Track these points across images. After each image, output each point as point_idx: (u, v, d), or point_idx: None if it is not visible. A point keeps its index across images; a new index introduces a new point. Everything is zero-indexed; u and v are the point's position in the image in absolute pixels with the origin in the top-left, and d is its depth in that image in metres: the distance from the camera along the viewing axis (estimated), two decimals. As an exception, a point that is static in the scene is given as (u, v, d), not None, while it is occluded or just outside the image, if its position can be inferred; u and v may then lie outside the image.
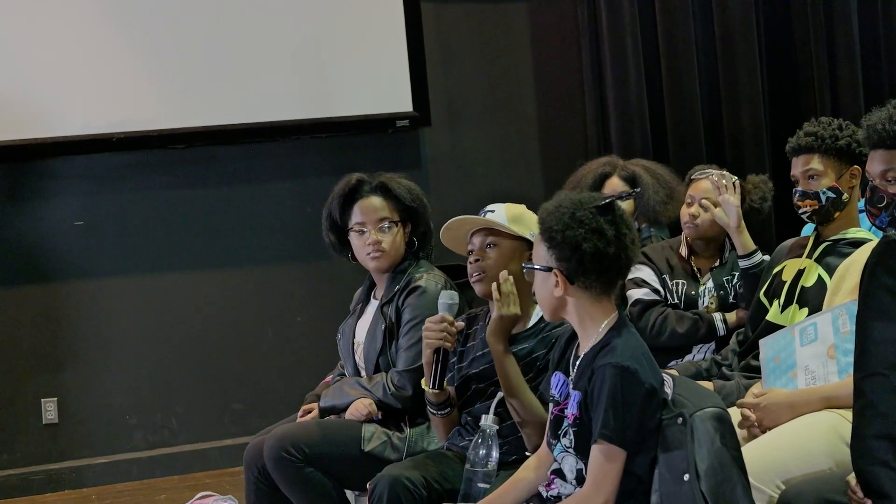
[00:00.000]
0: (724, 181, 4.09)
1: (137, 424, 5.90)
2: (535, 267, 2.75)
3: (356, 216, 3.77)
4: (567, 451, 2.71)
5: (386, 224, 3.75)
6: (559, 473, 2.74)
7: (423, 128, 6.12)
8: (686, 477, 2.54)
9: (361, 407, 3.61)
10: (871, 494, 2.54)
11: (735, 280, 4.19)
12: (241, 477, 3.80)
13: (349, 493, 3.66)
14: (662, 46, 6.05)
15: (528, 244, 3.28)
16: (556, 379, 2.82)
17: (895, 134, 3.02)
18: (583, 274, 2.67)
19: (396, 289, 3.73)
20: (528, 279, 2.99)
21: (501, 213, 3.32)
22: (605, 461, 2.58)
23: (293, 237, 5.99)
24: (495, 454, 3.09)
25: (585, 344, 2.73)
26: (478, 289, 3.32)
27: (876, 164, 3.09)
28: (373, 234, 3.74)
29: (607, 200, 2.71)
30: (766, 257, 4.03)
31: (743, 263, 4.05)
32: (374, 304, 3.84)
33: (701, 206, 4.22)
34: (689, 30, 6.06)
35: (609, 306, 2.73)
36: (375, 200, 3.77)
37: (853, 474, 2.60)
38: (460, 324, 3.37)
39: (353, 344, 3.86)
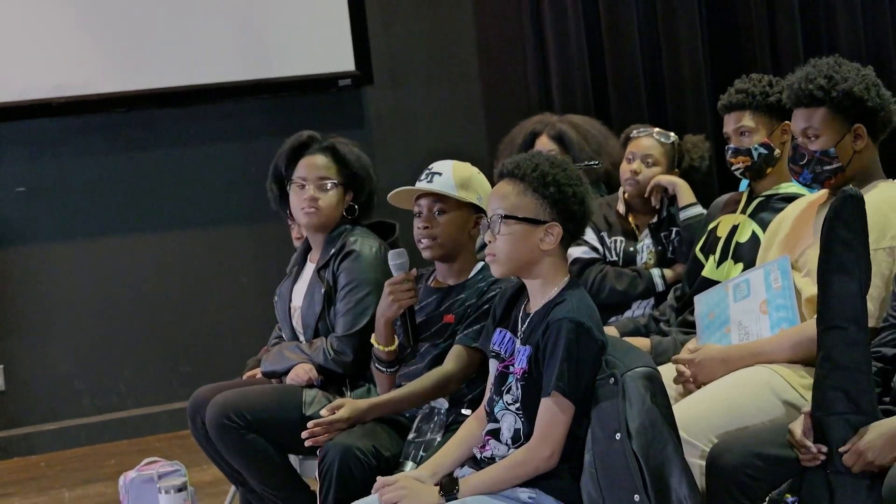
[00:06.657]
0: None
1: (85, 390, 5.89)
2: (530, 217, 2.68)
3: (299, 171, 3.75)
4: (508, 409, 2.72)
5: (327, 183, 3.74)
6: (494, 434, 2.76)
7: (366, 87, 6.10)
8: (618, 436, 2.57)
9: (302, 372, 3.61)
10: (826, 443, 2.61)
11: (673, 235, 4.24)
12: (191, 439, 3.80)
13: (293, 458, 3.68)
14: (602, 1, 6.05)
15: (476, 208, 3.28)
16: (500, 335, 2.83)
17: (810, 92, 3.10)
18: (571, 232, 2.72)
19: (332, 252, 3.71)
20: (482, 234, 2.91)
21: (448, 176, 3.27)
22: (557, 412, 2.60)
23: (237, 199, 5.98)
24: (441, 432, 3.15)
25: (536, 302, 2.74)
26: (426, 254, 3.30)
27: (797, 122, 3.17)
28: (311, 189, 3.71)
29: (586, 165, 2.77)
30: (706, 211, 4.08)
31: (681, 214, 4.13)
32: (310, 268, 3.84)
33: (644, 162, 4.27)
34: (629, -17, 6.06)
35: (564, 266, 2.77)
36: (321, 159, 3.74)
37: (796, 422, 2.66)
38: (414, 271, 3.36)
39: (289, 308, 3.86)
